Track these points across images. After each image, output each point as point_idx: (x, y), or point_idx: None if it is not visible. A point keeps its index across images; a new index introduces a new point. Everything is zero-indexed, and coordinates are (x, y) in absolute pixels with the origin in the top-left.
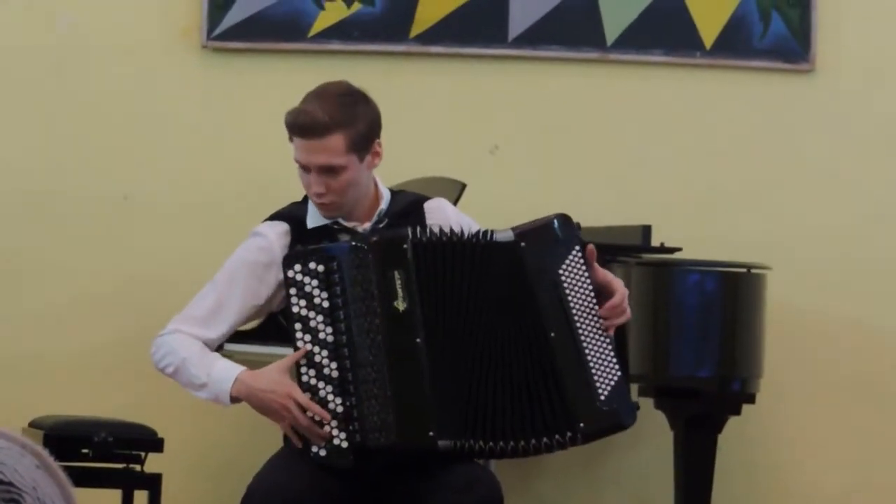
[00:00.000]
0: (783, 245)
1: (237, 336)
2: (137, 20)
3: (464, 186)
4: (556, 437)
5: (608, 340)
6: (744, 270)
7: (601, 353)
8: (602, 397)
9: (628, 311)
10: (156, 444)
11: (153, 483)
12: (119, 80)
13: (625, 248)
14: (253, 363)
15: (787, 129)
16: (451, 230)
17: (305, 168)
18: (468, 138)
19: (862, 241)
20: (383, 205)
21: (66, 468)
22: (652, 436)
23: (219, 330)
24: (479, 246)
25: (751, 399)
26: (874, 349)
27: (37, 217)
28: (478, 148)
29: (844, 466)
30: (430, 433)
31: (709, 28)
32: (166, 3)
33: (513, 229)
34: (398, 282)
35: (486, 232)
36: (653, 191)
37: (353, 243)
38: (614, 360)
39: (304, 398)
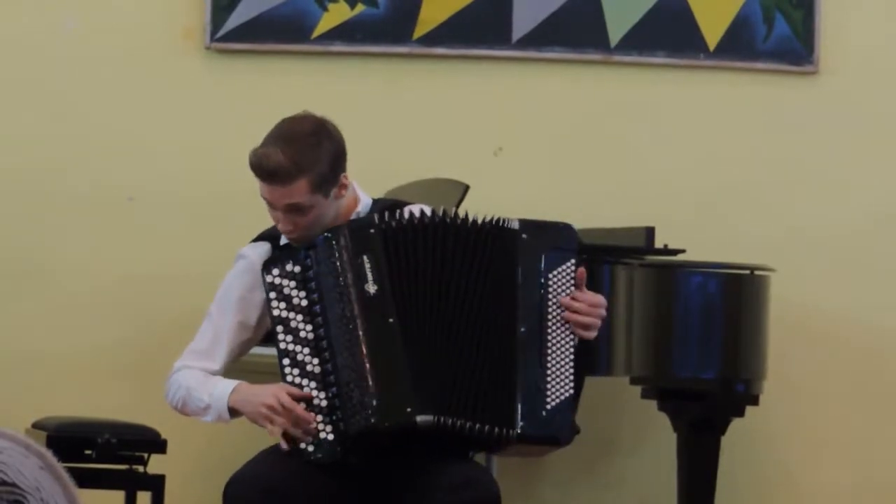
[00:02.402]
0: (786, 247)
1: None
2: (140, 22)
3: (467, 188)
4: (496, 428)
5: (571, 357)
6: (747, 272)
7: (561, 367)
8: (548, 406)
9: (599, 322)
10: (159, 445)
11: (156, 484)
12: (122, 81)
13: (628, 250)
14: (258, 364)
15: (790, 130)
16: (423, 212)
17: (273, 206)
18: (471, 140)
19: (866, 242)
20: (360, 208)
21: (69, 469)
22: (655, 438)
23: (220, 360)
24: (483, 230)
25: (754, 401)
26: (878, 350)
27: (42, 218)
28: (481, 150)
29: (849, 468)
30: (408, 409)
31: (712, 30)
32: (169, 4)
33: (520, 220)
34: (367, 265)
35: (495, 219)
36: (656, 193)
37: (326, 235)
38: (571, 377)
39: (288, 399)
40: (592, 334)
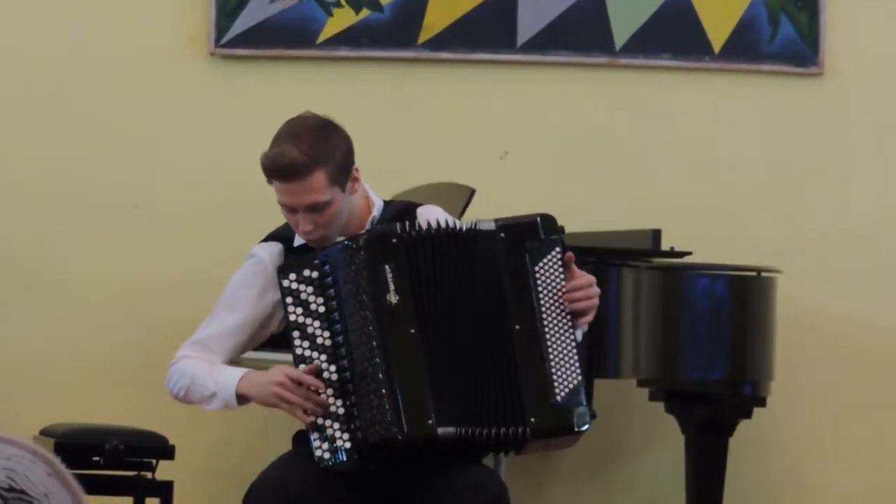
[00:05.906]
0: (793, 248)
1: None
2: (146, 28)
3: (473, 192)
4: (511, 428)
5: (573, 344)
6: (754, 274)
7: (564, 355)
8: (558, 397)
9: (596, 300)
10: (167, 451)
11: (164, 490)
12: (127, 87)
13: (634, 253)
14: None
15: (796, 132)
16: (438, 223)
17: (291, 209)
18: (477, 144)
19: (872, 243)
20: (375, 212)
21: (77, 476)
22: (663, 440)
23: (223, 355)
24: (461, 235)
25: (762, 402)
26: (885, 351)
27: (48, 225)
28: (487, 153)
29: (857, 469)
30: (430, 421)
31: (717, 32)
32: (174, 10)
33: (495, 220)
34: (389, 275)
35: (471, 222)
36: (662, 195)
37: (346, 243)
38: (576, 363)
39: (296, 372)
40: (590, 317)
